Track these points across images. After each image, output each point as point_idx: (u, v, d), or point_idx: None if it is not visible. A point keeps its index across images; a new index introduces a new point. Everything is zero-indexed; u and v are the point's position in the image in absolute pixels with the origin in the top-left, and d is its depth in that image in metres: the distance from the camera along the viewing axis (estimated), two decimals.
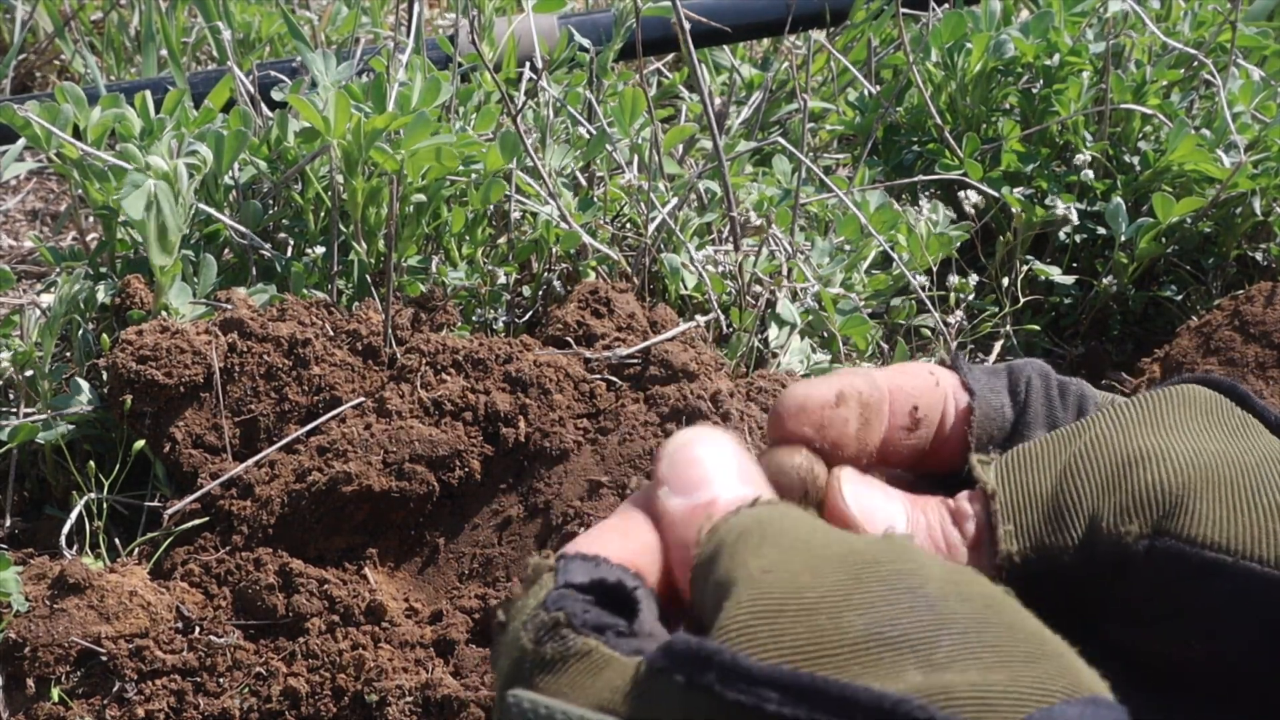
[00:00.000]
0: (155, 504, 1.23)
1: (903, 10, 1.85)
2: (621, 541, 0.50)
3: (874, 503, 0.54)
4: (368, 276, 1.43)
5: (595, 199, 1.50)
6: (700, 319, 1.39)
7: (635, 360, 1.26)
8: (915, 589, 0.42)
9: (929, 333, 1.62)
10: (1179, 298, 1.75)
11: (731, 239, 1.46)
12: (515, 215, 1.47)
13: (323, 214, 1.45)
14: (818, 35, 1.99)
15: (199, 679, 1.09)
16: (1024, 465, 0.54)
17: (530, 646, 0.45)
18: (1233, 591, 0.49)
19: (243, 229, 1.40)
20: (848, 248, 1.53)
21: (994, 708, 0.38)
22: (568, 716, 0.43)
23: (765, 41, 2.16)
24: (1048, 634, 0.41)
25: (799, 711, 0.39)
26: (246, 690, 1.08)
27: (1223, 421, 0.54)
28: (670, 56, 2.13)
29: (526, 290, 1.48)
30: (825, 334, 1.48)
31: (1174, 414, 0.54)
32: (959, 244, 1.61)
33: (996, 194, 1.68)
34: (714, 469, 0.50)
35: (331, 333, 1.31)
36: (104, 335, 1.29)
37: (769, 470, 0.53)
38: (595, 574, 0.47)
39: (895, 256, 1.52)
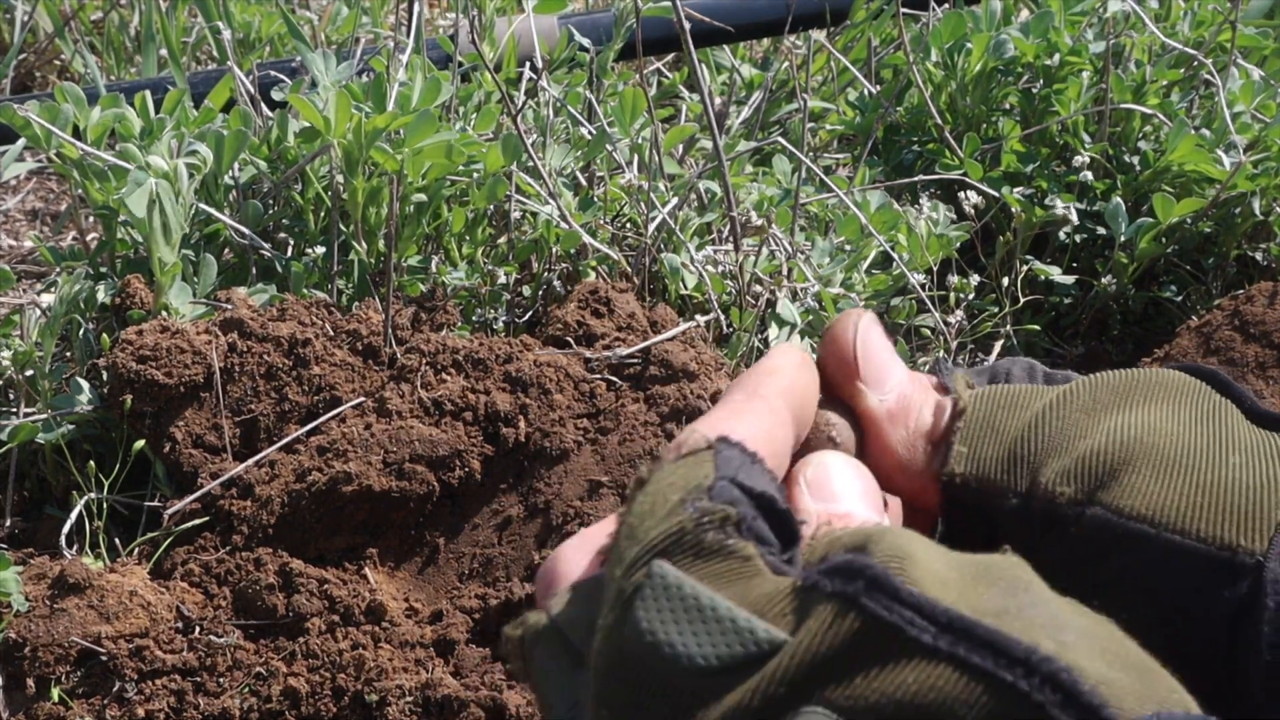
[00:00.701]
0: (155, 504, 1.23)
1: (903, 10, 1.85)
2: (773, 447, 0.50)
3: (878, 349, 0.55)
4: (368, 276, 1.43)
5: (595, 199, 1.50)
6: (700, 319, 1.39)
7: (635, 360, 1.26)
8: (1035, 590, 0.41)
9: (929, 333, 1.62)
10: (1179, 298, 1.75)
11: (731, 239, 1.46)
12: (515, 215, 1.47)
13: (323, 214, 1.45)
14: (818, 35, 1.99)
15: (199, 679, 1.09)
16: (998, 401, 0.55)
17: (691, 527, 0.43)
18: (1152, 562, 0.49)
19: (243, 229, 1.40)
20: (848, 248, 1.53)
21: (1121, 698, 0.37)
22: (713, 603, 0.41)
23: (765, 41, 2.16)
24: (1153, 658, 0.41)
25: (940, 642, 0.38)
26: (246, 690, 1.08)
27: (1192, 405, 0.54)
28: (670, 56, 2.13)
29: (526, 290, 1.48)
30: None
31: (1142, 392, 0.55)
32: (959, 244, 1.61)
33: (996, 194, 1.68)
34: (853, 490, 0.51)
35: (331, 333, 1.31)
36: (104, 335, 1.29)
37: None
38: (757, 485, 0.45)
39: (895, 256, 1.52)
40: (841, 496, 0.51)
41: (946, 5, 1.99)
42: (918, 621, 0.38)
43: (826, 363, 0.57)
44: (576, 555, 0.49)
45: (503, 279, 1.43)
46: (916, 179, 1.71)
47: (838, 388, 0.56)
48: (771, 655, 0.40)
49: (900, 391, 0.56)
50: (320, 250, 1.40)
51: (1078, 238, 1.75)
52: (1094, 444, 0.52)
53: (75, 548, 1.22)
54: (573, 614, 0.46)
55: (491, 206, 1.49)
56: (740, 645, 0.41)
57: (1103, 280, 1.68)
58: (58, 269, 1.43)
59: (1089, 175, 1.70)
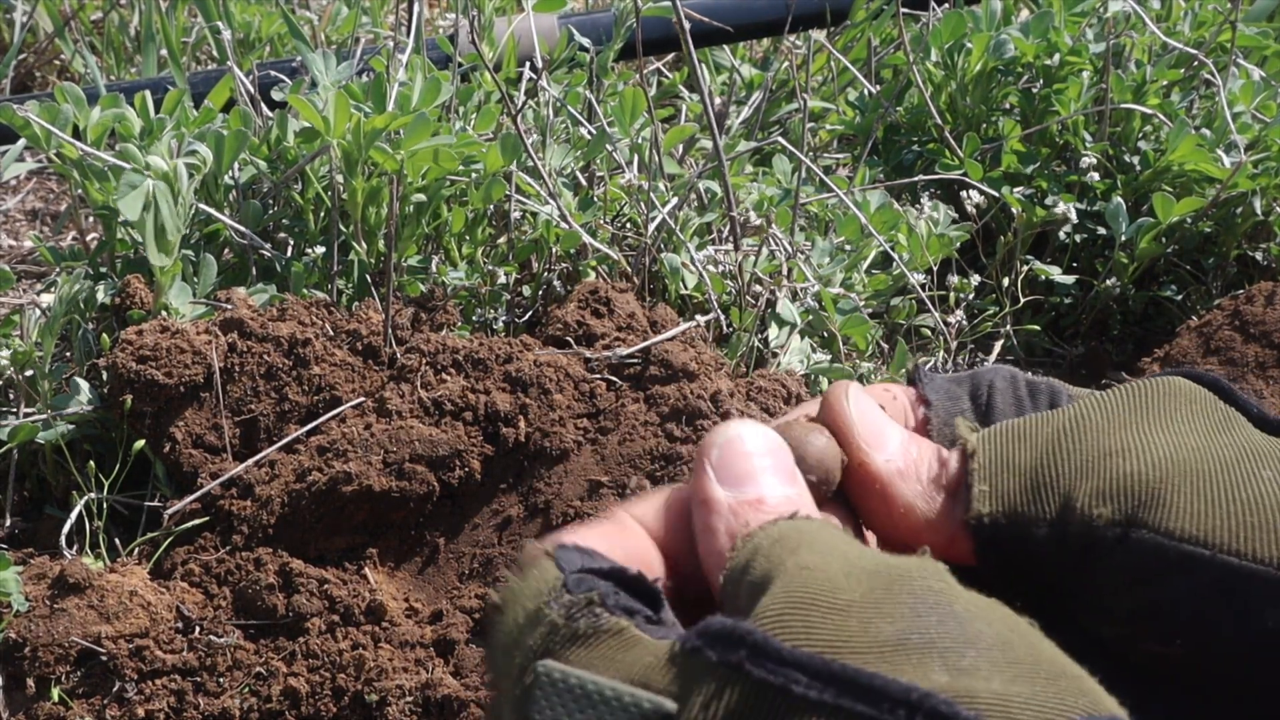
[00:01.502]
0: (155, 504, 1.23)
1: (903, 10, 1.85)
2: (618, 540, 0.51)
3: (873, 414, 0.56)
4: (368, 276, 1.43)
5: (595, 199, 1.50)
6: (700, 319, 1.39)
7: (635, 360, 1.26)
8: (944, 605, 0.42)
9: (929, 333, 1.62)
10: (1179, 298, 1.75)
11: (731, 239, 1.46)
12: (515, 215, 1.47)
13: (323, 214, 1.45)
14: (818, 35, 1.99)
15: (199, 679, 1.09)
16: (1007, 436, 0.55)
17: (561, 621, 0.45)
18: (1210, 585, 0.49)
19: (243, 229, 1.40)
20: (848, 248, 1.53)
21: (1015, 715, 0.38)
22: (598, 687, 0.43)
23: (765, 41, 2.16)
24: (1068, 660, 0.42)
25: (825, 695, 0.39)
26: (246, 690, 1.08)
27: (1205, 415, 0.54)
28: (670, 56, 2.13)
29: (526, 290, 1.48)
30: (825, 334, 1.48)
31: (1157, 406, 0.54)
32: (959, 244, 1.61)
33: (997, 194, 1.68)
34: (762, 465, 0.51)
35: (331, 333, 1.31)
36: (104, 335, 1.29)
37: (791, 443, 0.54)
38: (603, 565, 0.47)
39: (895, 256, 1.52)
40: (751, 476, 0.51)
41: (946, 5, 1.99)
42: (801, 679, 0.40)
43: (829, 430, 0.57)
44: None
45: (503, 279, 1.43)
46: (916, 179, 1.71)
47: (844, 451, 0.57)
48: None
49: (902, 448, 0.56)
50: (320, 250, 1.40)
51: (1078, 238, 1.74)
52: (1124, 463, 0.52)
53: (75, 548, 1.22)
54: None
55: (491, 206, 1.49)
56: None
57: (1103, 280, 1.68)
58: (58, 269, 1.43)
59: (1095, 175, 1.70)
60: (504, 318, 1.45)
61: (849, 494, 0.56)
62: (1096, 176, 1.70)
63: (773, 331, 1.43)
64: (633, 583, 0.47)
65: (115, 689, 1.08)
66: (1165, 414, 0.54)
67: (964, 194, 1.66)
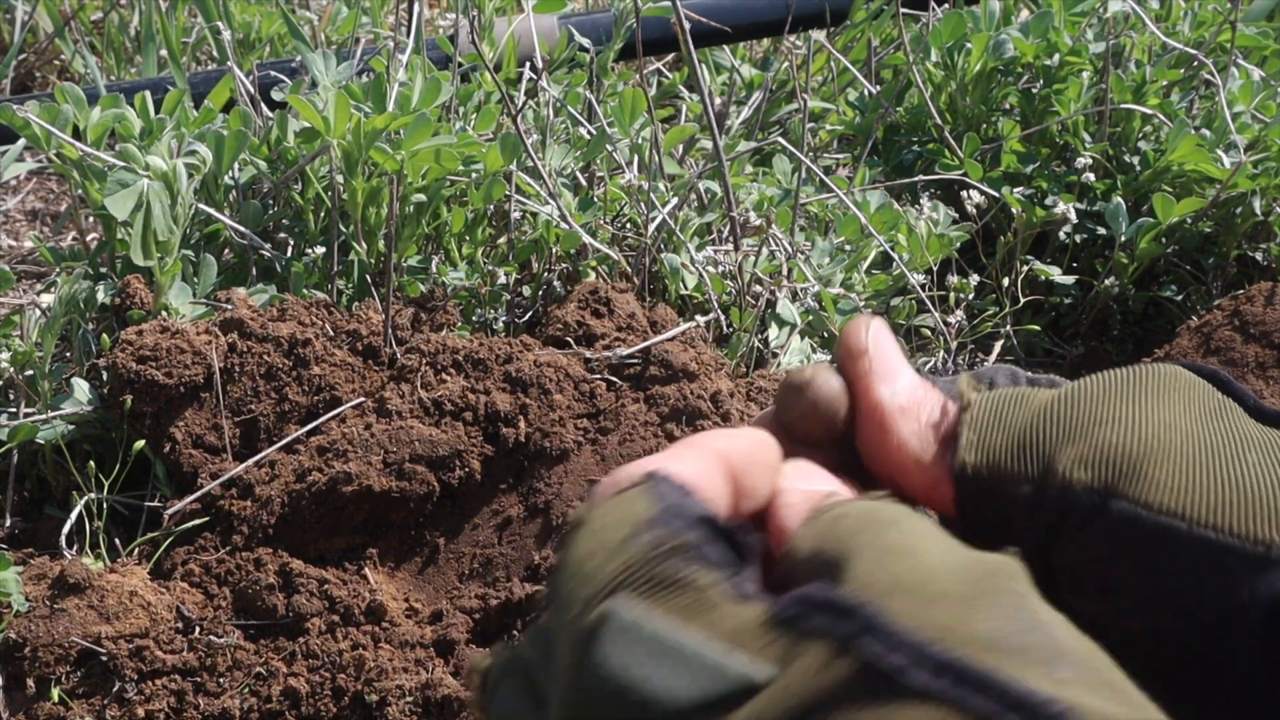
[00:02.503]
0: (155, 504, 1.23)
1: (903, 10, 1.85)
2: (709, 481, 0.49)
3: (890, 349, 0.57)
4: (368, 276, 1.43)
5: (595, 199, 1.50)
6: (700, 319, 1.39)
7: (635, 360, 1.26)
8: (1030, 610, 0.40)
9: (929, 333, 1.62)
10: (1179, 298, 1.75)
11: (731, 239, 1.46)
12: (515, 215, 1.47)
13: (323, 214, 1.45)
14: (818, 35, 1.99)
15: (199, 679, 1.09)
16: (1004, 397, 0.56)
17: (641, 561, 0.42)
18: (1187, 560, 0.49)
19: (243, 229, 1.40)
20: (848, 248, 1.53)
21: None
22: (678, 642, 0.40)
23: (765, 41, 2.16)
24: (1135, 687, 0.40)
25: (939, 684, 0.37)
26: (246, 690, 1.08)
27: (1201, 401, 0.55)
28: (670, 56, 2.13)
29: (526, 290, 1.48)
30: (825, 334, 1.48)
31: (1153, 387, 0.55)
32: (959, 244, 1.61)
33: (997, 194, 1.68)
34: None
35: (331, 333, 1.31)
36: (104, 335, 1.29)
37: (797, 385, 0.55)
38: (698, 510, 0.45)
39: (895, 256, 1.52)
40: (826, 481, 0.51)
41: (946, 5, 1.99)
42: (914, 664, 0.37)
43: (841, 361, 0.57)
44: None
45: (503, 279, 1.43)
46: (917, 179, 1.71)
47: (852, 383, 0.57)
48: (749, 694, 0.39)
49: (911, 387, 0.57)
50: (320, 250, 1.40)
51: (1078, 238, 1.74)
52: (1110, 433, 0.52)
53: (75, 548, 1.22)
54: (534, 654, 0.45)
55: (491, 207, 1.49)
56: (714, 683, 0.40)
57: (1103, 280, 1.68)
58: (58, 269, 1.43)
59: (1091, 175, 1.70)
60: (504, 318, 1.45)
61: (855, 425, 0.56)
62: (1093, 176, 1.70)
63: (773, 332, 1.43)
64: (725, 534, 0.44)
65: (115, 689, 1.08)
66: (1160, 395, 0.54)
67: (964, 194, 1.66)
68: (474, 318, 1.45)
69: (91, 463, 1.23)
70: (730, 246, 1.47)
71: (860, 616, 0.39)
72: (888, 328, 0.58)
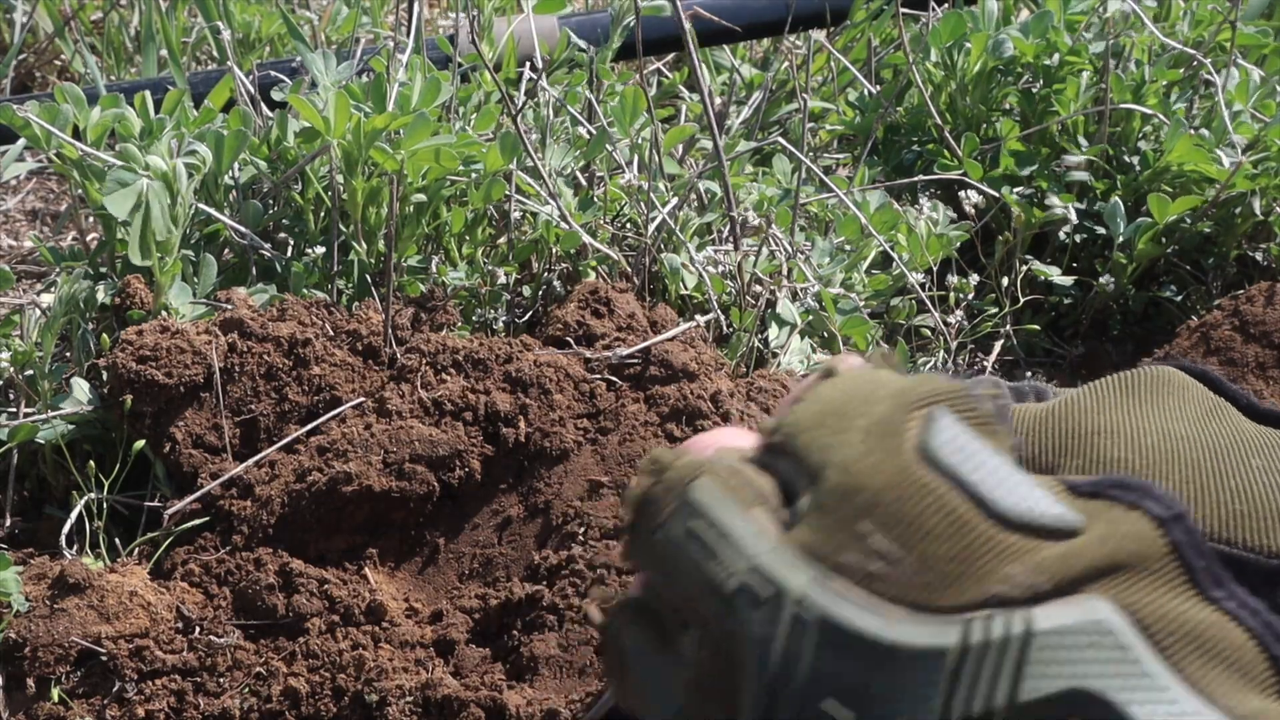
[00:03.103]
0: (155, 504, 1.23)
1: (902, 10, 1.85)
2: None
3: None
4: (368, 276, 1.43)
5: (595, 199, 1.50)
6: (700, 319, 1.39)
7: (635, 360, 1.26)
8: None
9: (929, 333, 1.62)
10: (1179, 298, 1.75)
11: (731, 239, 1.46)
12: (515, 215, 1.47)
13: (323, 214, 1.45)
14: (818, 35, 1.99)
15: (199, 679, 1.09)
16: None
17: (962, 391, 0.44)
18: None
19: (243, 229, 1.40)
20: (848, 248, 1.53)
21: None
22: (1002, 463, 0.42)
23: (765, 41, 2.16)
24: None
25: (1229, 604, 0.41)
26: (247, 690, 1.08)
27: (1195, 403, 0.54)
28: (670, 56, 2.13)
29: (526, 290, 1.48)
30: (825, 334, 1.48)
31: (1145, 392, 0.54)
32: (959, 244, 1.61)
33: (996, 194, 1.68)
34: None
35: (331, 333, 1.31)
36: (104, 335, 1.29)
37: None
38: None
39: (895, 256, 1.52)
40: None
41: (946, 5, 1.99)
42: (1212, 584, 0.41)
43: None
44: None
45: (503, 279, 1.43)
46: (916, 179, 1.71)
47: None
48: (1063, 536, 0.41)
49: None
50: (320, 250, 1.40)
51: (1077, 238, 1.75)
52: (1109, 446, 0.51)
53: (75, 548, 1.22)
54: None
55: (491, 207, 1.49)
56: (1041, 508, 0.40)
57: (1102, 280, 1.68)
58: (58, 269, 1.43)
59: (1079, 175, 1.70)
60: (504, 318, 1.45)
61: None
62: (1086, 176, 1.70)
63: (773, 332, 1.43)
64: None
65: (115, 689, 1.08)
66: (1154, 400, 0.54)
67: (961, 194, 1.66)
68: (474, 318, 1.45)
69: (91, 463, 1.23)
70: (730, 246, 1.47)
71: (1175, 507, 0.42)
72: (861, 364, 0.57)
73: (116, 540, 1.24)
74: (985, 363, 1.65)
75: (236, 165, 1.42)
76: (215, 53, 1.99)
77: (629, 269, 1.46)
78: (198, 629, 1.12)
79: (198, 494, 1.21)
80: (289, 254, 1.46)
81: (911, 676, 0.39)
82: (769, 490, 0.44)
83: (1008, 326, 1.69)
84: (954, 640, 0.39)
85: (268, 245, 1.42)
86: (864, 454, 0.42)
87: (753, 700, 0.40)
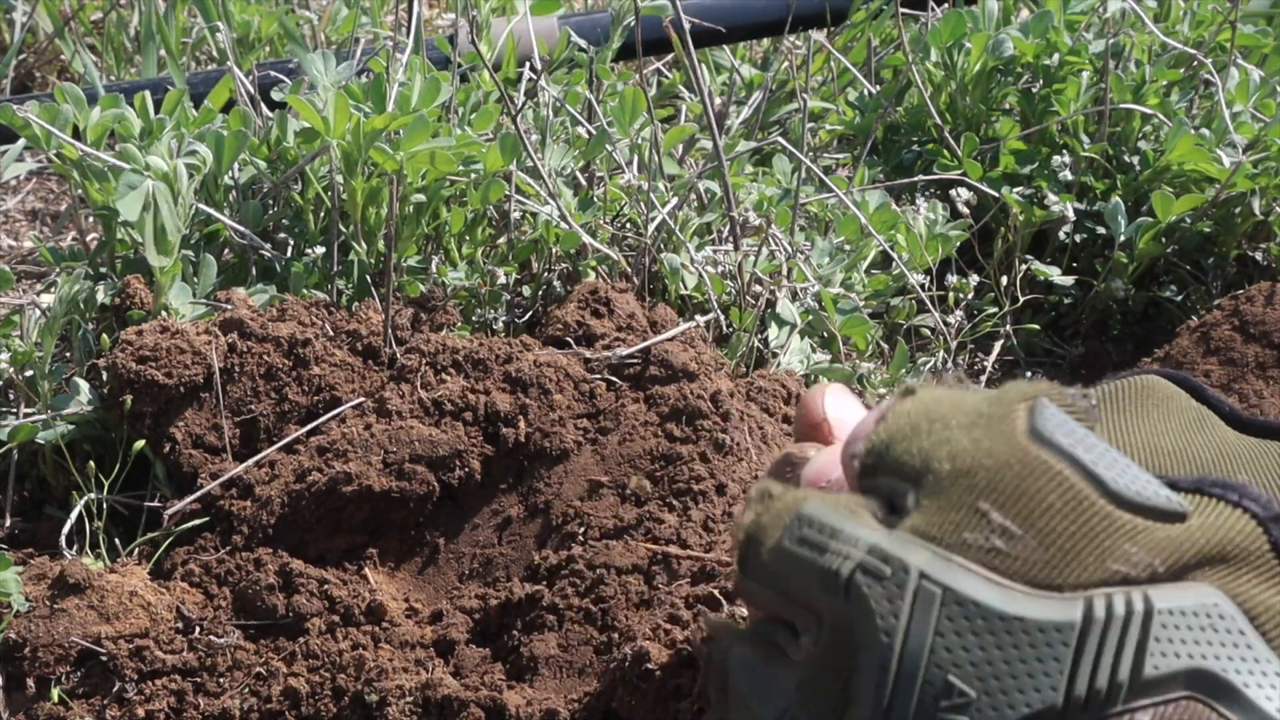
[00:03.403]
0: (155, 504, 1.23)
1: (902, 10, 1.85)
2: None
3: (849, 414, 0.56)
4: (368, 276, 1.43)
5: (595, 199, 1.50)
6: (700, 319, 1.39)
7: (635, 360, 1.26)
8: None
9: (929, 333, 1.62)
10: (1179, 298, 1.75)
11: (731, 239, 1.46)
12: (515, 215, 1.47)
13: (323, 214, 1.45)
14: (818, 35, 1.99)
15: (199, 679, 1.09)
16: None
17: (1055, 394, 0.46)
18: None
19: (243, 229, 1.40)
20: (848, 248, 1.53)
21: None
22: (1108, 449, 0.43)
23: (765, 41, 2.16)
24: None
25: None
26: (247, 690, 1.08)
27: (1180, 413, 0.55)
28: (670, 56, 2.13)
29: (526, 290, 1.48)
30: (825, 334, 1.48)
31: (1131, 406, 0.55)
32: (958, 244, 1.61)
33: (996, 194, 1.68)
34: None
35: (331, 333, 1.31)
36: (104, 335, 1.29)
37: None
38: None
39: (895, 256, 1.52)
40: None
41: (946, 5, 1.99)
42: None
43: (802, 432, 0.58)
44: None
45: (502, 279, 1.43)
46: (916, 179, 1.71)
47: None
48: (1172, 519, 0.41)
49: None
50: (320, 250, 1.40)
51: (1077, 237, 1.75)
52: None
53: (75, 548, 1.22)
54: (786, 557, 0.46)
55: (491, 207, 1.49)
56: (1153, 491, 0.41)
57: (1102, 280, 1.68)
58: (58, 269, 1.43)
59: (1069, 174, 1.69)
60: (504, 318, 1.45)
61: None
62: (1070, 175, 1.70)
63: (773, 331, 1.43)
64: None
65: (115, 689, 1.08)
66: (1139, 414, 0.54)
67: (953, 192, 1.65)
68: (474, 318, 1.45)
69: (91, 463, 1.23)
70: (730, 246, 1.47)
71: (1273, 508, 0.43)
72: (846, 391, 0.58)
73: (116, 540, 1.24)
74: (985, 363, 1.65)
75: (236, 165, 1.42)
76: (215, 53, 1.99)
77: (629, 269, 1.46)
78: (198, 629, 1.12)
79: (198, 494, 1.21)
80: (289, 254, 1.46)
81: (1035, 652, 0.39)
82: (874, 506, 0.45)
83: (1007, 326, 1.69)
84: (1078, 615, 0.39)
85: (268, 245, 1.42)
86: (974, 442, 0.42)
87: (871, 684, 0.40)
